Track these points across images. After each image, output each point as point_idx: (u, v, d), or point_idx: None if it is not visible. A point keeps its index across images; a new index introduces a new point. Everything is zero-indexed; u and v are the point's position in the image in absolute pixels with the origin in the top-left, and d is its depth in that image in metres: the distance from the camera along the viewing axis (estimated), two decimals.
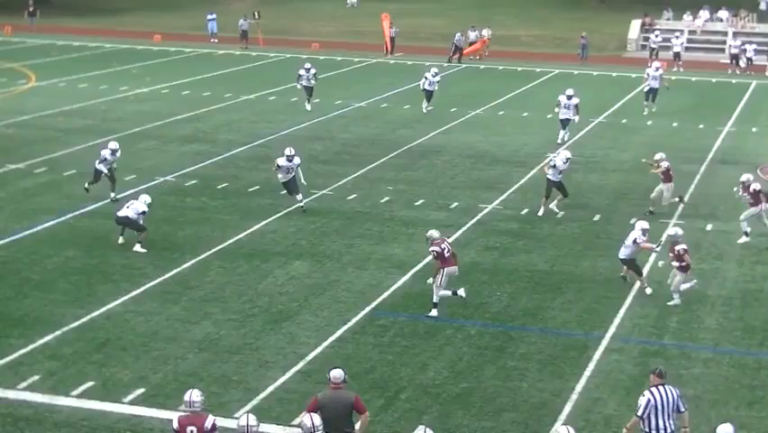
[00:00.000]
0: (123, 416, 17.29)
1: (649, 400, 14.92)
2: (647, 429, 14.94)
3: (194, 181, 32.29)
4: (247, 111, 44.54)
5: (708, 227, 28.77)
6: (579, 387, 18.85)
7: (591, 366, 19.75)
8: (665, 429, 14.91)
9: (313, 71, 44.37)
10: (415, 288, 23.74)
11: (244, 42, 64.79)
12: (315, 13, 78.02)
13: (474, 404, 18.09)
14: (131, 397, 17.92)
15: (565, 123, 38.12)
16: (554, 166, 29.30)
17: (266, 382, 18.67)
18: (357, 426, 14.85)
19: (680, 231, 24.10)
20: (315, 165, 33.87)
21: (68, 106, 43.95)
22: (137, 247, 25.51)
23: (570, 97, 37.67)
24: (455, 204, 29.08)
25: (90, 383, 18.41)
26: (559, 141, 37.65)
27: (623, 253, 23.73)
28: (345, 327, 21.30)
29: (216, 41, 66.65)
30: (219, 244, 26.23)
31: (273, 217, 28.68)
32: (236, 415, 16.66)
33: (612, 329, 21.60)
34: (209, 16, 68.07)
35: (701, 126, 42.77)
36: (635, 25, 66.93)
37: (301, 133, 40.05)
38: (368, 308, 22.34)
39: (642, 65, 59.67)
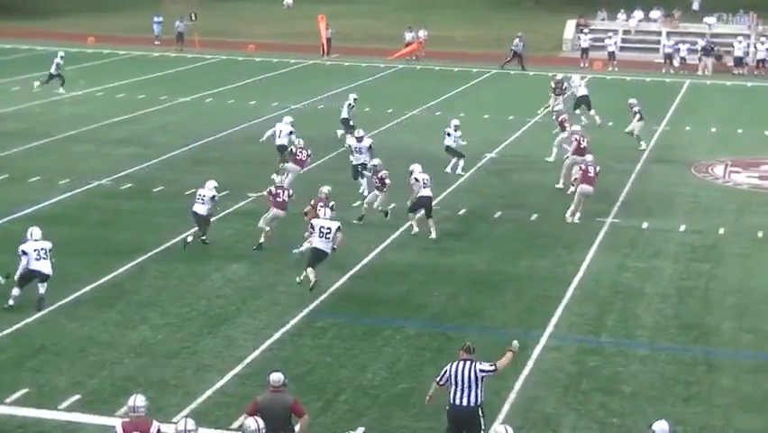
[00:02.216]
0: (59, 423, 17.10)
1: (446, 372, 15.52)
2: (449, 400, 15.53)
3: (130, 185, 32.02)
4: (183, 113, 44.30)
5: (644, 225, 29.00)
6: (517, 386, 18.93)
7: (530, 365, 19.83)
8: (461, 402, 15.39)
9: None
10: (353, 289, 23.72)
11: (180, 44, 64.40)
12: (251, 15, 77.67)
13: (414, 405, 18.08)
14: (66, 403, 17.72)
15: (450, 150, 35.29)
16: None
17: (204, 385, 18.56)
18: (297, 428, 14.81)
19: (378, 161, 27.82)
20: (252, 167, 33.72)
21: (1, 110, 43.43)
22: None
23: (456, 128, 34.78)
24: (392, 205, 29.05)
25: (25, 390, 18.19)
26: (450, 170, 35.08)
27: None
28: (284, 330, 21.22)
29: (159, 43, 66.14)
30: (156, 248, 26.02)
31: (210, 220, 28.44)
32: (174, 420, 16.52)
33: (550, 328, 21.72)
34: (155, 19, 67.54)
35: None
36: (570, 26, 67.37)
37: (238, 135, 39.89)
38: (306, 310, 22.28)
39: (576, 65, 60.20)
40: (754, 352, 20.90)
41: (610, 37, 62.47)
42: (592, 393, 18.76)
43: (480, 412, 15.54)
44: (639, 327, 22.00)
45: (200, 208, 26.29)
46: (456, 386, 15.48)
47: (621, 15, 67.68)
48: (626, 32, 66.63)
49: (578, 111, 43.32)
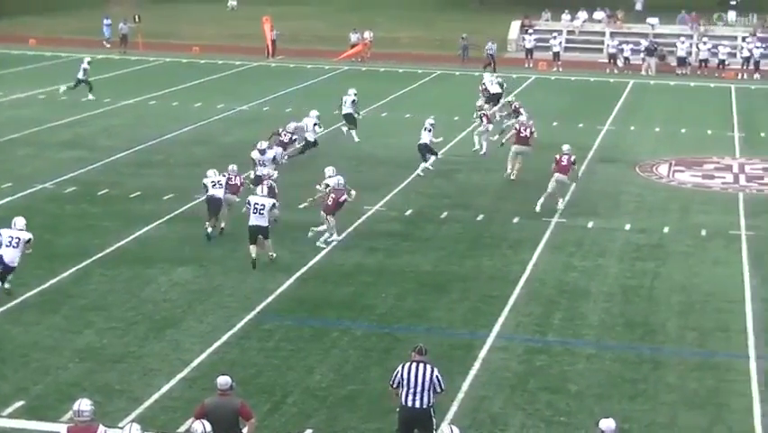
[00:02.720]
0: (3, 429, 16.89)
1: (397, 373, 15.50)
2: (400, 402, 15.50)
3: (73, 188, 31.75)
4: (127, 116, 44.00)
5: (590, 225, 29.16)
6: (465, 386, 18.95)
7: (477, 365, 19.87)
8: (413, 404, 15.35)
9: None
10: (300, 291, 23.67)
11: (123, 46, 63.96)
12: (195, 17, 77.35)
13: (361, 406, 18.07)
14: (10, 410, 17.52)
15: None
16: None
17: (150, 390, 18.42)
18: (244, 431, 14.75)
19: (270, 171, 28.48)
20: (197, 169, 33.50)
21: None
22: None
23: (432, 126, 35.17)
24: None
25: None
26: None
27: None
28: (230, 333, 21.12)
29: (110, 45, 65.61)
30: (101, 252, 25.81)
31: (156, 223, 28.35)
32: (120, 425, 16.38)
33: (497, 328, 21.77)
34: (105, 21, 66.92)
35: (581, 125, 43.35)
36: (515, 26, 67.67)
37: (183, 137, 39.70)
38: (253, 313, 22.19)
39: (521, 65, 60.48)
40: (699, 349, 21.07)
41: (555, 37, 62.81)
42: (539, 392, 18.83)
43: (432, 413, 15.55)
44: (585, 325, 22.11)
45: (220, 192, 26.98)
46: (408, 388, 15.44)
47: (565, 16, 68.08)
48: (571, 32, 67.03)
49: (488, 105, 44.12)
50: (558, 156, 30.33)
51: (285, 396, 18.39)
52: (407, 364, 15.56)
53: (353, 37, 64.22)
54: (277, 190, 27.65)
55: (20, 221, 22.80)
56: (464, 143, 39.19)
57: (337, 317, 22.11)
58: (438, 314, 22.57)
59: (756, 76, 59.15)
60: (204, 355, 19.98)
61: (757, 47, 60.67)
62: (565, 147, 30.71)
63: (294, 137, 35.67)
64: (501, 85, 44.57)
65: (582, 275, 25.15)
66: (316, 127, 36.00)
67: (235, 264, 25.20)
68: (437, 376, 15.48)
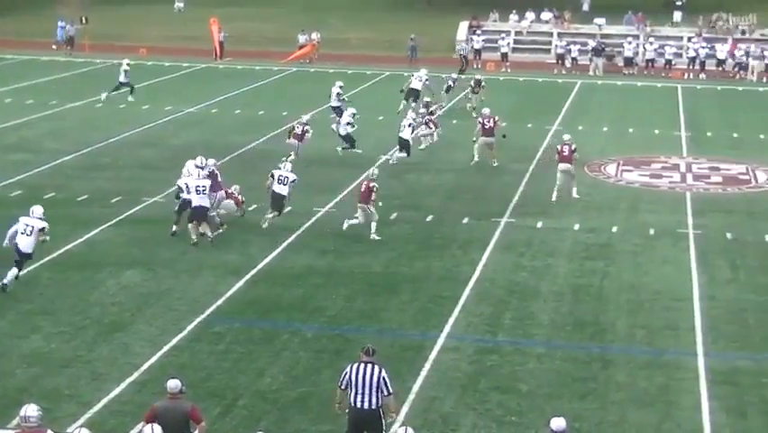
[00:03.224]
0: None
1: (346, 374, 15.57)
2: (349, 403, 15.58)
3: (19, 192, 31.44)
4: (74, 118, 43.64)
5: (539, 225, 29.27)
6: (416, 387, 18.96)
7: (428, 366, 19.88)
8: (362, 405, 15.42)
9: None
10: (250, 293, 23.59)
11: (69, 48, 63.43)
12: (142, 19, 76.72)
13: (312, 408, 18.03)
14: None
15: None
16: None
17: (99, 394, 18.28)
18: None
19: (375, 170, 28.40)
20: (145, 172, 33.35)
21: None
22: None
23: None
24: (289, 207, 28.98)
25: None
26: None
27: None
28: (180, 336, 21.01)
29: (56, 47, 64.96)
30: (48, 256, 25.54)
31: (104, 226, 28.14)
32: (69, 430, 16.26)
33: (447, 328, 21.80)
34: (60, 23, 66.19)
35: (530, 126, 43.50)
36: (463, 27, 67.78)
37: (131, 139, 39.44)
38: (203, 316, 22.09)
39: (470, 66, 60.56)
40: (647, 348, 21.21)
41: (503, 38, 63.06)
42: (490, 392, 18.87)
43: (381, 414, 15.54)
44: (535, 325, 22.19)
45: (282, 189, 27.82)
46: (357, 389, 15.46)
47: (513, 16, 68.31)
48: (519, 33, 67.25)
49: (405, 102, 44.94)
50: (560, 146, 31.96)
51: (235, 399, 18.31)
52: (355, 365, 15.58)
53: (301, 38, 64.09)
54: (220, 178, 28.16)
55: (37, 209, 23.42)
56: (414, 144, 39.08)
57: (287, 320, 22.06)
58: (388, 315, 22.56)
59: (702, 76, 59.69)
60: (153, 359, 19.85)
61: (703, 47, 61.21)
62: (566, 137, 32.62)
63: (308, 129, 36.18)
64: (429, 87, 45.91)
65: (532, 275, 25.24)
66: (349, 127, 37.00)
67: (185, 267, 25.07)
68: (384, 378, 15.49)
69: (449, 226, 28.91)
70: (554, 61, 61.92)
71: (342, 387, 15.61)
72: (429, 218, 29.65)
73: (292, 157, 32.30)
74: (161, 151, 37.31)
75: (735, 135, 43.13)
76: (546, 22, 68.16)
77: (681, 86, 56.20)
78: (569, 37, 64.63)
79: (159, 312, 22.27)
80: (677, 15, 69.77)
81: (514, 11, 68.68)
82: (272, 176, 28.05)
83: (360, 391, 15.44)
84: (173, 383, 14.74)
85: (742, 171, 36.58)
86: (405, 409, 18.06)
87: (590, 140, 41.18)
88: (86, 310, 22.26)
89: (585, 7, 72.38)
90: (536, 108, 47.62)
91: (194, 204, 26.37)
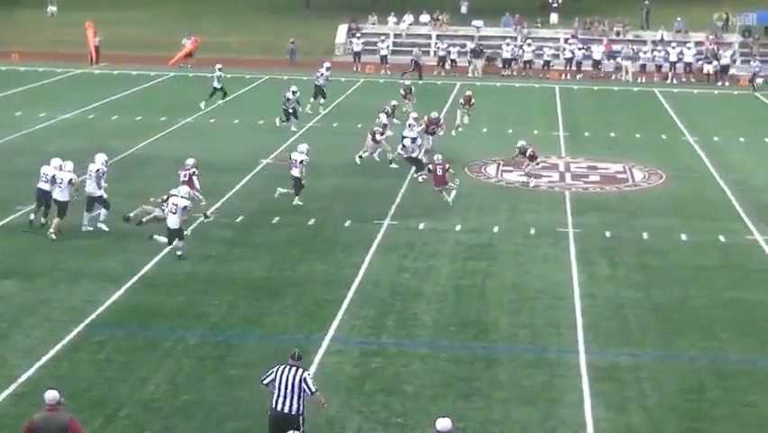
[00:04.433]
0: None
1: (272, 373, 15.76)
2: (270, 405, 15.77)
3: None
4: None
5: (421, 226, 29.37)
6: None
7: (313, 369, 19.79)
8: (282, 408, 15.59)
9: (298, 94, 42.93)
10: (131, 301, 23.25)
11: None
12: (13, 23, 75.18)
13: (196, 416, 17.84)
14: None
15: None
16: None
17: None
18: None
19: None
20: (19, 180, 32.61)
21: None
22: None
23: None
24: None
25: None
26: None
27: None
28: (59, 346, 20.61)
29: None
30: None
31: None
32: None
33: (331, 332, 21.75)
34: None
35: None
36: (342, 30, 67.83)
37: (4, 147, 38.62)
38: (82, 325, 21.70)
39: (349, 69, 60.65)
40: (530, 346, 21.41)
41: (382, 41, 63.23)
42: (375, 394, 18.87)
43: (301, 421, 15.63)
44: (419, 326, 22.25)
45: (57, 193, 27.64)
46: (279, 391, 15.57)
47: (392, 19, 68.54)
48: (398, 35, 67.51)
49: (314, 100, 45.93)
50: (431, 166, 32.11)
51: (117, 409, 18.02)
52: (281, 367, 15.73)
53: (187, 42, 63.33)
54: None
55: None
56: (294, 148, 38.97)
57: (170, 327, 21.79)
58: (272, 319, 22.43)
59: (579, 76, 60.63)
60: (31, 370, 19.43)
61: (579, 48, 62.16)
62: (437, 157, 32.32)
63: (385, 131, 37.15)
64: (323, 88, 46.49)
65: (415, 276, 25.32)
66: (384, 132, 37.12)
67: (63, 276, 24.61)
68: (304, 378, 15.61)
69: (331, 229, 28.87)
70: (435, 63, 62.21)
71: (264, 382, 15.78)
72: (311, 222, 29.56)
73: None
74: (36, 158, 36.43)
75: (611, 135, 43.87)
76: (425, 24, 68.53)
77: (559, 86, 57.01)
78: (448, 39, 65.07)
79: (37, 322, 21.81)
80: (554, 17, 70.76)
81: (392, 13, 68.92)
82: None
83: (281, 394, 15.56)
84: (51, 395, 14.46)
85: (619, 170, 37.20)
86: None
87: (470, 141, 41.51)
88: None
89: (463, 9, 72.92)
90: (417, 111, 47.70)
91: (54, 196, 27.46)
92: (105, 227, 28.05)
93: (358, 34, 64.74)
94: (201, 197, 29.31)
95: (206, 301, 23.34)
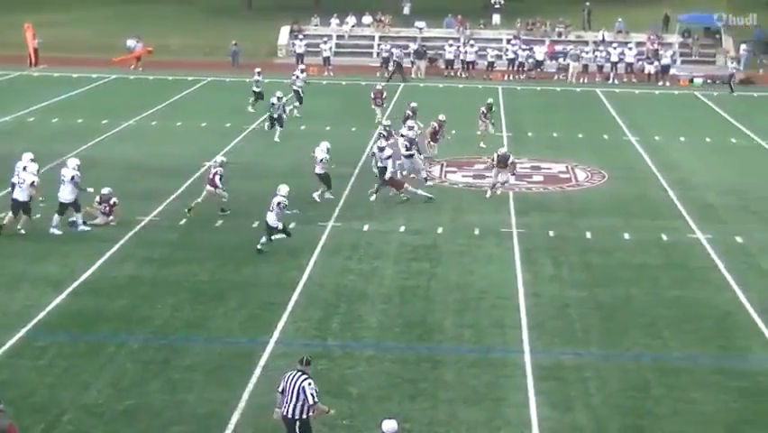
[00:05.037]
0: None
1: (283, 379, 15.95)
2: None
3: None
4: None
5: (365, 228, 29.35)
6: (246, 394, 18.81)
7: (257, 373, 19.73)
8: (285, 412, 15.78)
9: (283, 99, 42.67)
10: (73, 306, 23.03)
11: None
12: None
13: (140, 420, 17.71)
14: None
15: None
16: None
17: None
18: None
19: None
20: None
21: None
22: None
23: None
24: (111, 217, 28.44)
25: None
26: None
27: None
28: (0, 352, 20.35)
29: None
30: None
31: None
32: None
33: (276, 334, 21.68)
34: None
35: (354, 129, 43.63)
36: (285, 32, 67.69)
37: None
38: (24, 330, 21.47)
39: (292, 70, 60.44)
40: (475, 346, 21.45)
41: (325, 42, 63.17)
42: (321, 397, 18.70)
43: (298, 425, 15.79)
44: (364, 328, 22.22)
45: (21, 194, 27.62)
46: (285, 395, 15.81)
47: (335, 20, 68.49)
48: (340, 36, 67.47)
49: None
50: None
51: (60, 414, 17.85)
52: (290, 372, 15.96)
53: (137, 45, 62.79)
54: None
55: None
56: (237, 151, 38.90)
57: (113, 331, 21.61)
58: (216, 323, 22.31)
59: (521, 77, 60.91)
60: None
61: (522, 49, 62.44)
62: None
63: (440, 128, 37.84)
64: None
65: (360, 278, 25.29)
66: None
67: (3, 281, 24.36)
68: (302, 387, 15.69)
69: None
70: (378, 65, 62.20)
71: (279, 390, 15.98)
72: (255, 224, 29.41)
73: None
74: None
75: (554, 135, 44.10)
76: (368, 25, 68.53)
77: (502, 87, 57.22)
78: (391, 40, 65.12)
79: None
80: (496, 18, 71.02)
81: (335, 15, 68.86)
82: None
83: (286, 398, 15.79)
84: None
85: (562, 170, 37.40)
86: (235, 417, 17.93)
87: None
88: None
89: (406, 11, 73.00)
90: (360, 112, 47.67)
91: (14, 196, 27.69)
92: (57, 231, 27.90)
93: (300, 36, 64.63)
94: (225, 194, 30.05)
95: (150, 305, 23.17)
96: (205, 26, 74.68)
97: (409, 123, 36.93)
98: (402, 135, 35.34)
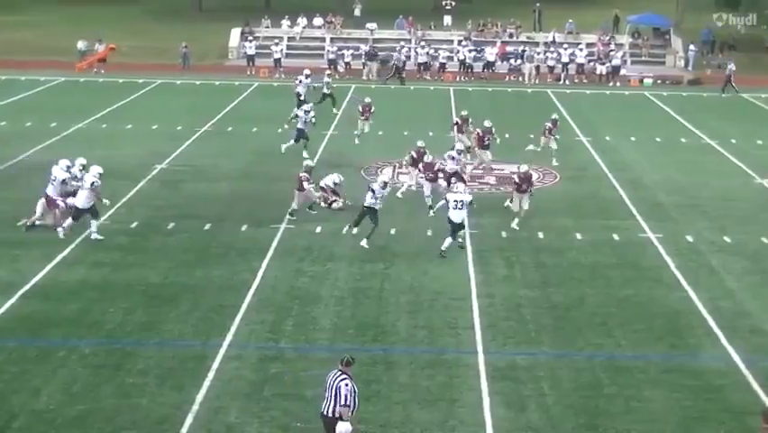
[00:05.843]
0: None
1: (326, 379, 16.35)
2: None
3: None
4: None
5: (318, 230, 29.28)
6: (199, 397, 18.72)
7: (211, 376, 19.64)
8: (323, 410, 16.08)
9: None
10: (22, 310, 22.80)
11: None
12: None
13: (93, 426, 17.59)
14: None
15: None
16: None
17: None
18: None
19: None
20: None
21: None
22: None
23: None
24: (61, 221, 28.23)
25: None
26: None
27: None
28: None
29: None
30: None
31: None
32: None
33: (229, 337, 21.57)
34: None
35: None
36: (235, 34, 67.46)
37: None
38: None
39: (242, 72, 60.31)
40: (428, 347, 21.45)
41: (276, 44, 63.01)
42: (275, 400, 18.75)
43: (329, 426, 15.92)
44: (318, 330, 22.17)
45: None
46: (325, 395, 16.07)
47: (285, 22, 68.33)
48: (291, 38, 67.32)
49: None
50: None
51: (10, 420, 17.68)
52: (332, 372, 16.23)
53: (100, 47, 62.26)
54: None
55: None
56: (188, 153, 38.72)
57: (63, 336, 21.42)
58: (169, 326, 22.18)
59: (472, 78, 61.09)
60: None
61: (472, 50, 62.60)
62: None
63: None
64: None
65: (313, 280, 25.22)
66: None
67: None
68: (339, 386, 15.91)
69: (228, 234, 28.63)
70: (327, 66, 62.08)
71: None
72: (207, 227, 29.29)
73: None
74: None
75: (506, 136, 44.13)
76: (319, 27, 68.43)
77: (454, 88, 57.32)
78: (342, 42, 65.08)
79: None
80: (447, 19, 71.11)
81: (286, 16, 68.71)
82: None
83: (326, 397, 16.03)
84: None
85: (515, 171, 37.35)
86: (189, 420, 17.83)
87: (366, 143, 41.49)
88: None
89: (357, 12, 72.95)
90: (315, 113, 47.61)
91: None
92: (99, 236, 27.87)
93: (251, 38, 64.43)
94: (317, 194, 30.92)
95: (101, 309, 22.99)
96: (154, 28, 74.29)
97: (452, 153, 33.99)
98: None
